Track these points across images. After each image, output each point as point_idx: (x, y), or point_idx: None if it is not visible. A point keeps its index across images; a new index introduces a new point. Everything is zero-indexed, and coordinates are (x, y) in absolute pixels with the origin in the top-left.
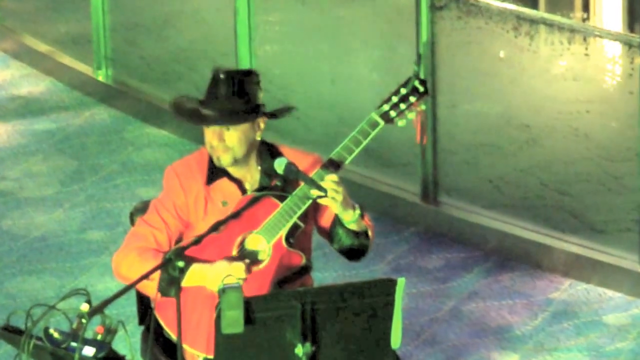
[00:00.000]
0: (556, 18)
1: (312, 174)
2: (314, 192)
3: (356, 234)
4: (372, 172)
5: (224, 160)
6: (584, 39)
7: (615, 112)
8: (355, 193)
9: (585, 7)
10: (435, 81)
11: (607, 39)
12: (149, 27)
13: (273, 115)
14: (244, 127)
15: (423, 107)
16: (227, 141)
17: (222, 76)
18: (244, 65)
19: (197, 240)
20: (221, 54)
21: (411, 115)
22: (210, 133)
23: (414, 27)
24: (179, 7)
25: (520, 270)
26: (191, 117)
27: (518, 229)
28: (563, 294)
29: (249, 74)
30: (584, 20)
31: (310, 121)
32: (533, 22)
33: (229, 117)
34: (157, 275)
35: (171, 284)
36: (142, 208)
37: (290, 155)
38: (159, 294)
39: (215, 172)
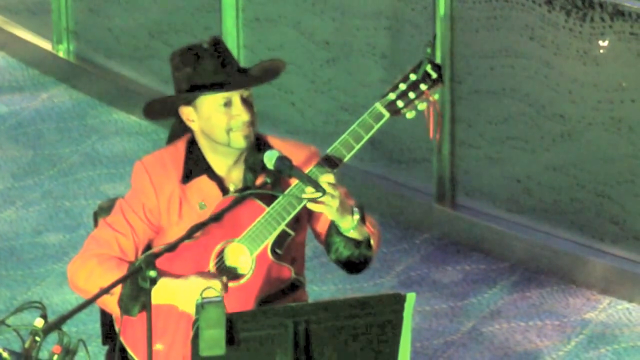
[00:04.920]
0: None
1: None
2: (307, 193)
3: (356, 242)
4: (379, 168)
5: (250, 138)
6: (629, 15)
7: None
8: (359, 193)
9: None
10: (453, 63)
11: None
12: None
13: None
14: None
15: (436, 96)
16: (254, 112)
17: (207, 45)
18: (232, 40)
19: (171, 247)
20: (203, 27)
21: (422, 106)
22: (239, 106)
23: None
24: None
25: (551, 286)
26: (216, 85)
27: (549, 238)
28: (601, 314)
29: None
30: None
31: (307, 107)
32: None
33: (266, 74)
34: (118, 289)
35: (135, 299)
36: (108, 207)
37: (281, 148)
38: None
39: (193, 170)
